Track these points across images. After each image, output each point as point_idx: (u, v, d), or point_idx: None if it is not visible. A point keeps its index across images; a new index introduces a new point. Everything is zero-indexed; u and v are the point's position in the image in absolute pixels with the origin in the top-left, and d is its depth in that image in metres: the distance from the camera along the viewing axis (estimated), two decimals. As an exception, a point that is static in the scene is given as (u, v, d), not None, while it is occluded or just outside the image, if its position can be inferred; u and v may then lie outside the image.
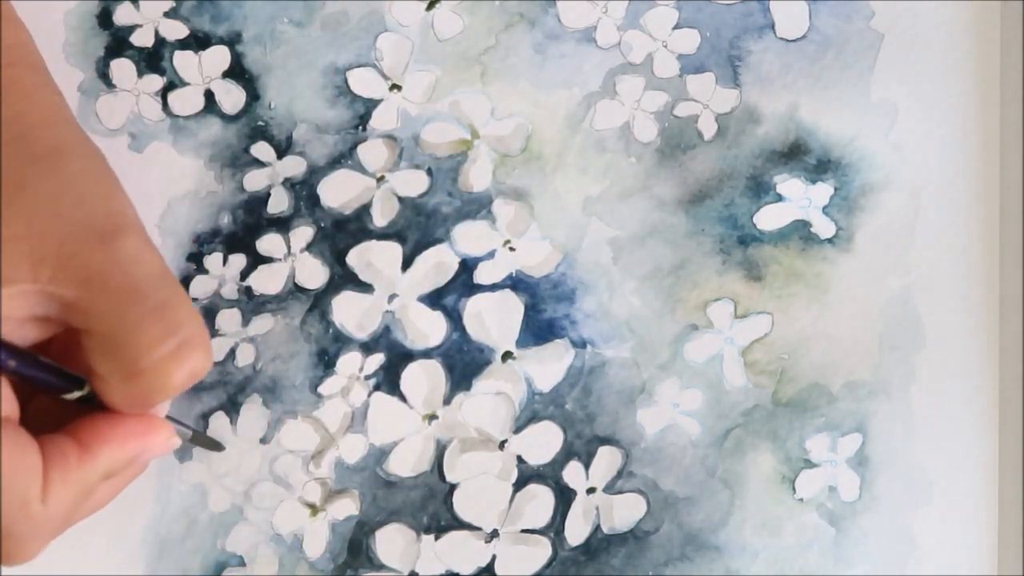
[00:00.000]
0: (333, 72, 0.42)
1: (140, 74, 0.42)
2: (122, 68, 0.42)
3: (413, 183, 0.41)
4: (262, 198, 0.41)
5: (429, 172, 0.41)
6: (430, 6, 0.42)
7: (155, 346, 0.31)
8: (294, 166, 0.41)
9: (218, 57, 0.42)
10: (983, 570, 0.40)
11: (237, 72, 0.42)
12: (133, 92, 0.41)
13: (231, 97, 0.42)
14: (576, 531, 0.40)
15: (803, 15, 0.43)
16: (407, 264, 0.41)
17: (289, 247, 0.41)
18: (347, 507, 0.40)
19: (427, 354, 0.40)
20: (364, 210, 0.41)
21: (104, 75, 0.41)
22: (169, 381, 0.31)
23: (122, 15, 0.42)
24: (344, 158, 0.41)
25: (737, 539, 0.40)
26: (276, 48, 0.42)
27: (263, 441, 0.40)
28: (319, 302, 0.41)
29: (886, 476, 0.41)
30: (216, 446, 0.39)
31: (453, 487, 0.40)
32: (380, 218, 0.41)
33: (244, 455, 0.40)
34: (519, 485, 0.40)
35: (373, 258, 0.41)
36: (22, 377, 0.31)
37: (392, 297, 0.41)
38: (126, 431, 0.32)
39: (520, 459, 0.40)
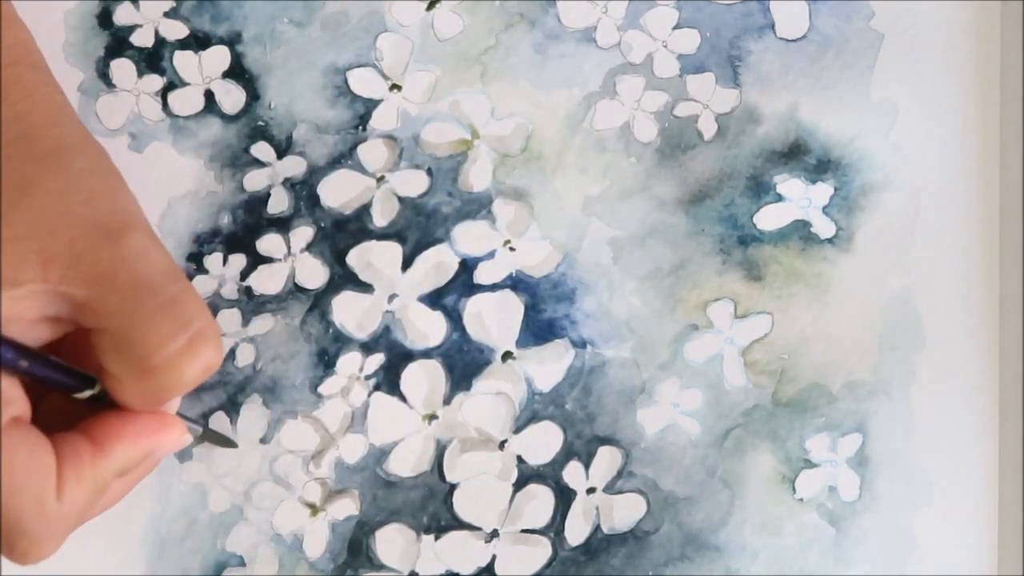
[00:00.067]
0: (333, 72, 0.42)
1: (140, 74, 0.42)
2: (122, 68, 0.42)
3: (413, 183, 0.41)
4: (262, 198, 0.41)
5: (429, 172, 0.41)
6: (430, 6, 0.42)
7: (166, 342, 0.31)
8: (294, 166, 0.41)
9: (218, 57, 0.42)
10: (983, 570, 0.40)
11: (237, 72, 0.42)
12: (133, 92, 0.41)
13: (231, 97, 0.42)
14: (576, 531, 0.40)
15: (803, 15, 0.43)
16: (407, 264, 0.41)
17: (289, 247, 0.41)
18: (347, 507, 0.40)
19: (427, 354, 0.40)
20: (364, 210, 0.41)
21: (104, 75, 0.42)
22: (182, 377, 0.31)
23: (122, 15, 0.42)
24: (344, 158, 0.41)
25: (737, 539, 0.40)
26: (276, 48, 0.42)
27: (263, 441, 0.40)
28: (319, 302, 0.41)
29: (886, 476, 0.41)
30: (228, 442, 0.39)
31: (453, 487, 0.40)
32: (380, 218, 0.41)
33: (244, 455, 0.40)
34: (519, 485, 0.40)
35: (373, 258, 0.41)
36: (34, 377, 0.31)
37: (392, 297, 0.41)
38: (139, 428, 0.32)
39: (520, 459, 0.40)
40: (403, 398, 0.40)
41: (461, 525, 0.40)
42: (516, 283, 0.41)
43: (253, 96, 0.42)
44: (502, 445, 0.40)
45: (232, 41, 0.42)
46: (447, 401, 0.40)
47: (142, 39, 0.42)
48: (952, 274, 0.42)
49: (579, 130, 0.42)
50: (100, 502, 0.33)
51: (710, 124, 0.42)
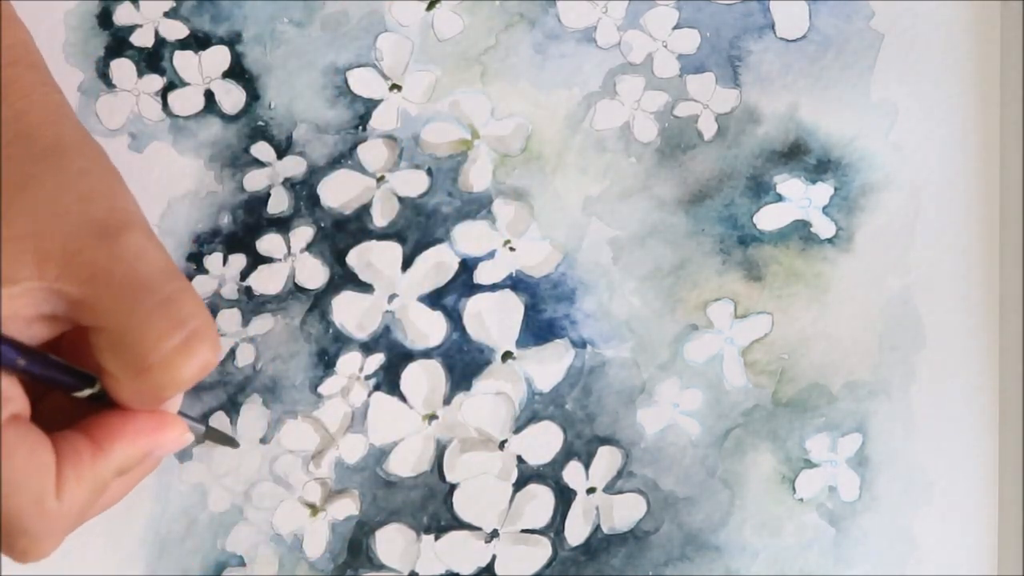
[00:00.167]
0: (333, 72, 0.42)
1: (140, 74, 0.42)
2: (122, 68, 0.42)
3: (413, 183, 0.41)
4: (262, 198, 0.41)
5: (429, 172, 0.41)
6: (430, 6, 0.42)
7: (163, 340, 0.31)
8: (294, 166, 0.41)
9: (218, 57, 0.42)
10: (983, 570, 0.40)
11: (237, 72, 0.42)
12: (133, 92, 0.42)
13: (231, 97, 0.42)
14: (576, 531, 0.40)
15: (803, 15, 0.43)
16: (407, 264, 0.41)
17: (289, 247, 0.41)
18: (347, 507, 0.40)
19: (427, 354, 0.40)
20: (364, 210, 0.41)
21: (104, 75, 0.42)
22: (179, 374, 0.31)
23: (122, 15, 0.42)
24: (344, 158, 0.41)
25: (737, 539, 0.40)
26: (276, 48, 0.42)
27: (263, 441, 0.40)
28: (319, 302, 0.41)
29: (886, 476, 0.40)
30: (230, 442, 0.39)
31: (453, 487, 0.40)
32: (380, 218, 0.41)
33: (244, 455, 0.40)
34: (519, 485, 0.40)
35: (373, 258, 0.41)
36: (33, 376, 0.31)
37: (392, 297, 0.41)
38: (139, 427, 0.32)
39: (520, 459, 0.40)
40: (403, 398, 0.40)
41: (461, 525, 0.40)
42: (516, 283, 0.41)
43: (253, 96, 0.42)
44: (502, 445, 0.40)
45: (232, 41, 0.42)
46: (447, 401, 0.40)
47: (142, 39, 0.42)
48: (952, 274, 0.42)
49: (579, 130, 0.42)
50: (100, 501, 0.33)
51: (710, 124, 0.42)
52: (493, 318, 0.41)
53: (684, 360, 0.41)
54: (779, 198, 0.42)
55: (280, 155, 0.41)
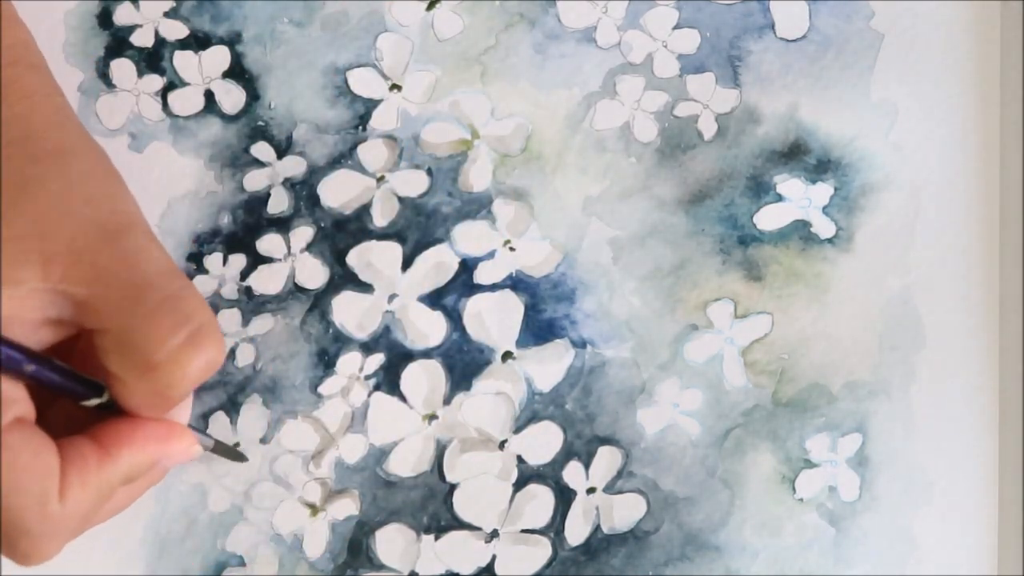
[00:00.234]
0: (333, 72, 0.42)
1: (140, 74, 0.42)
2: (122, 68, 0.42)
3: (413, 183, 0.41)
4: (262, 198, 0.41)
5: (429, 172, 0.41)
6: (430, 6, 0.42)
7: (167, 338, 0.31)
8: (294, 166, 0.41)
9: (218, 57, 0.42)
10: (983, 570, 0.40)
11: (237, 72, 0.42)
12: (133, 92, 0.42)
13: (231, 97, 0.42)
14: (576, 531, 0.40)
15: (803, 15, 0.43)
16: (407, 264, 0.41)
17: (289, 247, 0.41)
18: (347, 507, 0.40)
19: (427, 354, 0.40)
20: (364, 210, 0.41)
21: (104, 75, 0.42)
22: (185, 372, 0.31)
23: (122, 15, 0.42)
24: (344, 158, 0.41)
25: (737, 539, 0.40)
26: (276, 48, 0.42)
27: (263, 441, 0.40)
28: (319, 302, 0.41)
29: (886, 476, 0.41)
30: (239, 456, 0.39)
31: (453, 487, 0.40)
32: (380, 218, 0.41)
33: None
34: (519, 485, 0.40)
35: (373, 258, 0.41)
36: (39, 382, 0.31)
37: (392, 297, 0.41)
38: (147, 435, 0.32)
39: (520, 459, 0.40)
40: (403, 398, 0.40)
41: (461, 525, 0.40)
42: (516, 283, 0.41)
43: (253, 96, 0.42)
44: (502, 445, 0.40)
45: (232, 41, 0.42)
46: (447, 401, 0.40)
47: (142, 39, 0.42)
48: (952, 274, 0.42)
49: (579, 130, 0.42)
50: (105, 508, 0.33)
51: (710, 124, 0.42)
52: (493, 318, 0.41)
53: (684, 360, 0.41)
54: (779, 198, 0.42)
55: (280, 155, 0.41)
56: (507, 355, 0.40)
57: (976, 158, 0.42)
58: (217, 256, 0.41)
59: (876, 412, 0.41)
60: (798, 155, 0.42)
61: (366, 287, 0.41)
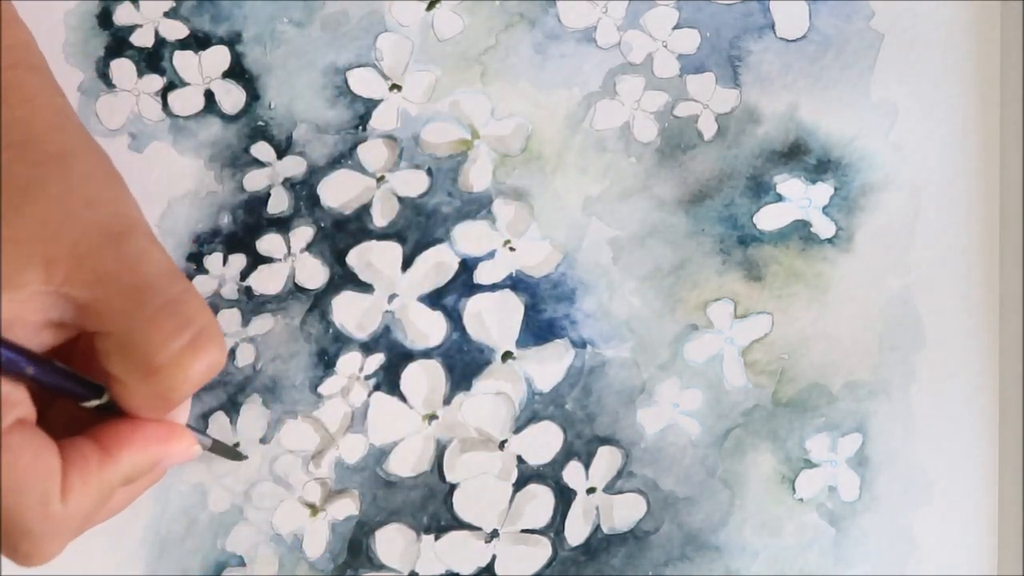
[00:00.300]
0: (333, 72, 0.42)
1: (140, 74, 0.42)
2: (122, 68, 0.42)
3: (413, 183, 0.41)
4: (262, 198, 0.41)
5: (429, 172, 0.41)
6: (430, 6, 0.42)
7: (169, 341, 0.31)
8: (294, 166, 0.41)
9: (218, 57, 0.42)
10: (983, 570, 0.40)
11: (237, 72, 0.42)
12: (133, 92, 0.41)
13: (231, 97, 0.42)
14: (576, 531, 0.40)
15: (803, 15, 0.43)
16: (407, 264, 0.41)
17: (289, 247, 0.41)
18: (347, 507, 0.40)
19: (427, 354, 0.40)
20: (364, 210, 0.41)
21: (104, 75, 0.42)
22: (187, 375, 0.31)
23: (122, 15, 0.42)
24: (344, 158, 0.41)
25: (737, 539, 0.40)
26: (276, 48, 0.42)
27: (263, 441, 0.40)
28: (319, 302, 0.41)
29: (886, 476, 0.41)
30: (237, 456, 0.39)
31: (453, 487, 0.40)
32: (380, 218, 0.41)
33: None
34: (519, 485, 0.40)
35: (373, 258, 0.41)
36: (40, 384, 0.31)
37: (392, 297, 0.41)
38: (147, 435, 0.32)
39: (520, 459, 0.40)
40: (403, 398, 0.40)
41: (461, 525, 0.40)
42: (516, 283, 0.41)
43: (253, 96, 0.42)
44: (502, 445, 0.40)
45: (232, 41, 0.42)
46: (447, 401, 0.40)
47: (142, 39, 0.42)
48: (952, 274, 0.42)
49: (579, 130, 0.42)
50: (105, 508, 0.33)
51: (710, 124, 0.42)
52: (493, 318, 0.41)
53: (684, 360, 0.41)
54: (779, 198, 0.42)
55: (280, 155, 0.41)
56: (507, 355, 0.40)
57: (976, 158, 0.42)
58: (217, 256, 0.41)
59: (876, 412, 0.41)
60: (798, 155, 0.42)
61: (366, 287, 0.41)
